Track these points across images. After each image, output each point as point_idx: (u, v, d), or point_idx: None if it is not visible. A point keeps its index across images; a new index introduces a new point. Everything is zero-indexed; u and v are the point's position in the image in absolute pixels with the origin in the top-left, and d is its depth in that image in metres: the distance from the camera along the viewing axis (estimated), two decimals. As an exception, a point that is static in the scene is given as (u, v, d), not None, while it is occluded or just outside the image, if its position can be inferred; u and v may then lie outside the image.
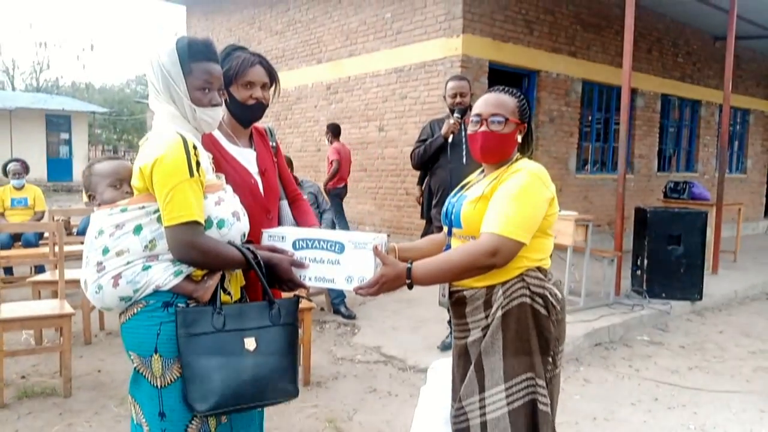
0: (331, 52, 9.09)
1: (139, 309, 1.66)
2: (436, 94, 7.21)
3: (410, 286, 1.76)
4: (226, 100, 2.11)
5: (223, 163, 1.96)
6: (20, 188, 6.68)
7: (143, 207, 1.65)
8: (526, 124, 1.96)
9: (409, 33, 7.79)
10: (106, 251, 1.65)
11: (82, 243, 6.47)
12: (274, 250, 1.82)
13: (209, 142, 1.95)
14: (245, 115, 2.05)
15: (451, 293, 1.93)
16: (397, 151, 7.94)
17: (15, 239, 6.37)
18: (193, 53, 1.70)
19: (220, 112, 1.79)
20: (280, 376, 1.71)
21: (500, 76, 7.74)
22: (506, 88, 1.98)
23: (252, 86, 2.01)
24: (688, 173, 11.16)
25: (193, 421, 1.67)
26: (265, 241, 1.85)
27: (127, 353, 1.71)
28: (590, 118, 9.45)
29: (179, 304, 1.65)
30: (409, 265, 1.75)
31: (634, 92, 9.16)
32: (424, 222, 6.30)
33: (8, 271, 6.38)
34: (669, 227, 5.97)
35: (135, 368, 1.69)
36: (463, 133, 4.23)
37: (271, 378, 1.69)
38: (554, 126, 8.52)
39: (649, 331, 5.24)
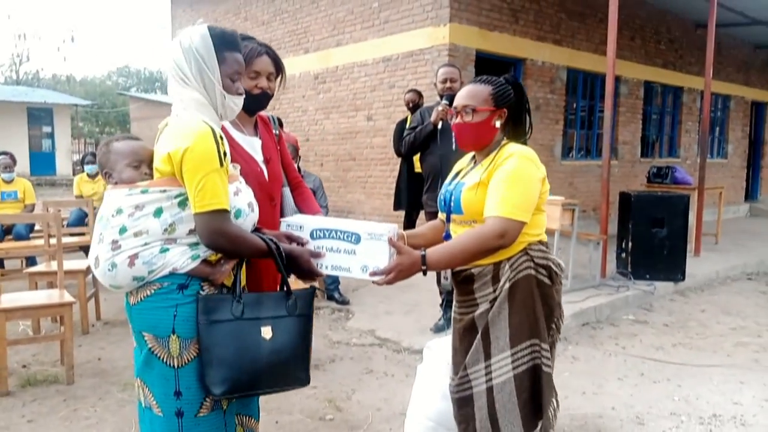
0: (318, 41, 9.12)
1: (153, 290, 1.70)
2: (424, 83, 7.29)
3: (425, 272, 1.86)
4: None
5: (232, 152, 2.03)
6: (10, 181, 6.68)
7: (165, 191, 1.69)
8: (505, 109, 2.03)
9: (396, 22, 7.85)
10: (123, 230, 1.68)
11: (73, 235, 6.50)
12: (290, 238, 1.89)
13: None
14: (250, 105, 2.07)
15: (458, 272, 2.04)
16: (385, 140, 8.01)
17: (6, 232, 6.38)
18: (227, 42, 1.77)
19: (242, 102, 1.87)
20: (294, 364, 1.80)
21: (487, 65, 7.83)
22: (485, 78, 2.07)
23: (258, 76, 2.07)
24: (671, 158, 11.37)
25: (206, 399, 1.73)
26: (284, 229, 1.92)
27: (139, 334, 1.73)
28: (575, 105, 9.60)
29: (200, 292, 1.71)
30: (423, 253, 1.85)
31: (617, 79, 9.30)
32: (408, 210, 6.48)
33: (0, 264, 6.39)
34: (653, 211, 6.13)
35: (149, 349, 1.71)
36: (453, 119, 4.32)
37: (286, 365, 1.77)
38: (540, 113, 8.64)
39: (634, 310, 5.40)
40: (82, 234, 6.35)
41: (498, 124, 2.04)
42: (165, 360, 1.70)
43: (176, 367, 1.70)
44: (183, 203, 1.69)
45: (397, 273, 1.83)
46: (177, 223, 1.69)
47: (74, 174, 23.01)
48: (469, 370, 1.98)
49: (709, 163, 9.17)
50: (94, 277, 5.55)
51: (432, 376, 3.02)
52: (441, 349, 3.07)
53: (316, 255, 1.85)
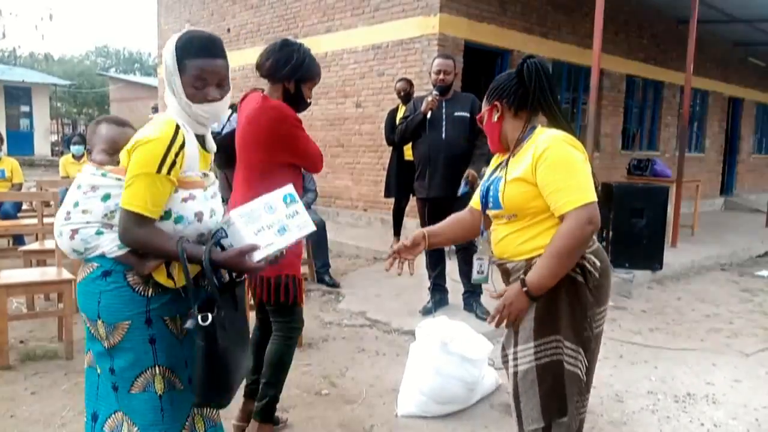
0: (308, 27, 9.15)
1: (86, 274, 1.79)
2: (414, 71, 7.40)
3: (534, 298, 1.87)
4: (289, 89, 2.55)
5: None
6: None
7: (119, 179, 1.77)
8: (497, 102, 2.01)
9: (386, 10, 7.92)
10: (76, 205, 1.79)
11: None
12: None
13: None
14: (301, 109, 2.59)
15: (499, 265, 2.07)
16: (374, 128, 8.12)
17: None
18: (189, 50, 1.76)
19: (219, 107, 1.83)
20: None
21: (475, 55, 7.96)
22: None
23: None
24: (650, 152, 11.64)
25: (138, 378, 1.79)
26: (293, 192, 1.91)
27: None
28: (559, 98, 9.75)
29: (128, 278, 1.76)
30: (522, 277, 1.88)
31: (601, 73, 9.46)
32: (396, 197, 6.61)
33: None
34: (633, 201, 6.34)
35: (87, 327, 1.82)
36: (443, 110, 4.44)
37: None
38: (525, 104, 8.78)
39: (613, 297, 5.60)
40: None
41: (495, 117, 2.03)
42: (99, 339, 1.80)
43: (107, 347, 1.78)
44: None
45: (511, 312, 1.89)
46: (117, 211, 1.75)
47: (53, 155, 22.72)
48: (506, 350, 2.03)
49: (687, 157, 9.40)
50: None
51: (425, 354, 3.17)
52: (433, 329, 3.23)
53: (250, 250, 1.73)
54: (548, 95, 1.99)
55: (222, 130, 2.70)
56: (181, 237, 1.74)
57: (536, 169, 1.87)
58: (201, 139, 1.87)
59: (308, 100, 2.64)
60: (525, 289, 1.87)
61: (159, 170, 1.67)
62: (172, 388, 1.83)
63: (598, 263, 1.91)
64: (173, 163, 1.69)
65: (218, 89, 1.80)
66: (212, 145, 1.93)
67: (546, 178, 1.84)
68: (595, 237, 1.93)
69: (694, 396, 3.46)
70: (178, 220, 1.76)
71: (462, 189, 4.26)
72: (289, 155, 2.57)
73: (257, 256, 1.73)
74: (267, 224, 1.78)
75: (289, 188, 1.89)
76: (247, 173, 2.62)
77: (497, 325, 1.93)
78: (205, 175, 1.85)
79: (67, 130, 32.48)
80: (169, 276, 1.80)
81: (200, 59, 1.76)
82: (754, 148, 15.80)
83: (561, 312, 1.89)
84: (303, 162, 2.66)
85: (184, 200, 1.76)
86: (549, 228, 1.89)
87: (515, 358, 1.96)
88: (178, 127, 1.74)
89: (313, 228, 1.90)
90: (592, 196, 1.82)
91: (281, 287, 2.56)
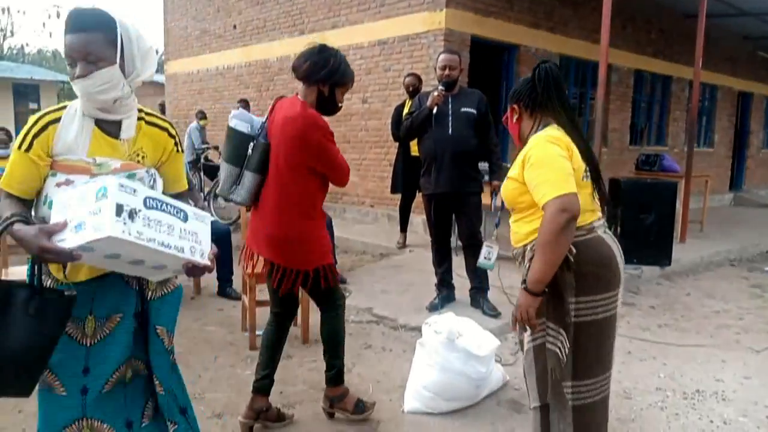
0: (314, 23, 9.14)
1: None
2: (420, 67, 7.36)
3: (538, 294, 1.99)
4: (323, 92, 2.64)
5: None
6: (6, 157, 6.68)
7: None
8: (515, 105, 2.22)
9: (392, 6, 7.89)
10: None
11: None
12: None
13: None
14: (333, 112, 2.72)
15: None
16: (380, 123, 8.10)
17: None
18: (64, 28, 1.66)
19: (87, 85, 1.65)
20: (8, 369, 1.59)
21: (482, 51, 7.92)
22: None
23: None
24: (659, 147, 11.56)
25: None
26: (114, 188, 1.50)
27: None
28: (566, 99, 9.69)
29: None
30: (523, 283, 2.05)
31: (609, 68, 9.39)
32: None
33: None
34: (641, 197, 6.29)
35: None
36: (449, 105, 4.41)
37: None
38: (532, 100, 8.74)
39: (622, 293, 5.56)
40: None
41: (515, 119, 2.25)
42: None
43: None
44: None
45: (525, 315, 2.02)
46: None
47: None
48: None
49: (696, 152, 9.34)
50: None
51: (431, 351, 3.16)
52: (439, 325, 3.21)
53: (52, 231, 1.50)
54: (553, 97, 2.15)
55: (258, 135, 2.72)
56: (14, 213, 1.60)
57: (524, 169, 2.07)
58: (110, 124, 1.73)
59: (340, 104, 2.75)
60: (524, 286, 2.02)
61: (20, 147, 1.66)
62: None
63: (574, 249, 1.99)
64: (30, 144, 1.65)
65: (88, 65, 1.63)
66: (128, 133, 1.76)
67: (529, 175, 2.04)
68: (599, 224, 2.10)
69: (704, 393, 3.43)
70: (51, 205, 1.61)
71: (494, 203, 4.53)
72: (318, 161, 2.64)
73: (71, 242, 1.48)
74: (73, 217, 1.52)
75: (111, 181, 1.50)
76: (274, 172, 2.67)
77: (521, 332, 2.14)
78: (98, 162, 1.69)
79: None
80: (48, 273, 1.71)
81: (66, 35, 1.65)
82: (763, 143, 15.65)
83: (547, 296, 2.04)
84: (331, 172, 2.71)
85: (59, 185, 1.65)
86: (539, 218, 2.02)
87: (521, 340, 2.23)
88: (59, 109, 1.71)
89: (108, 234, 1.44)
90: (567, 188, 1.94)
91: (320, 277, 2.73)
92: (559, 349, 2.04)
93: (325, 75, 2.61)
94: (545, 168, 1.98)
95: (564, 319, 2.03)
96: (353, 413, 2.95)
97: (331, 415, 3.00)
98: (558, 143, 2.04)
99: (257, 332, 4.06)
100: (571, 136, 2.08)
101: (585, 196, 2.06)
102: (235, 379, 3.49)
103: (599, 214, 2.15)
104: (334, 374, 2.95)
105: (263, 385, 2.86)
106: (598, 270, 2.06)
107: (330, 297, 2.87)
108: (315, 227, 2.73)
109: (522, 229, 2.14)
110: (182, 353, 3.81)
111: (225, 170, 2.74)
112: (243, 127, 2.72)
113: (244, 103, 9.20)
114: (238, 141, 2.71)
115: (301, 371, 3.59)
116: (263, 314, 4.57)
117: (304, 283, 2.73)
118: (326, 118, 2.68)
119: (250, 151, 2.66)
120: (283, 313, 2.95)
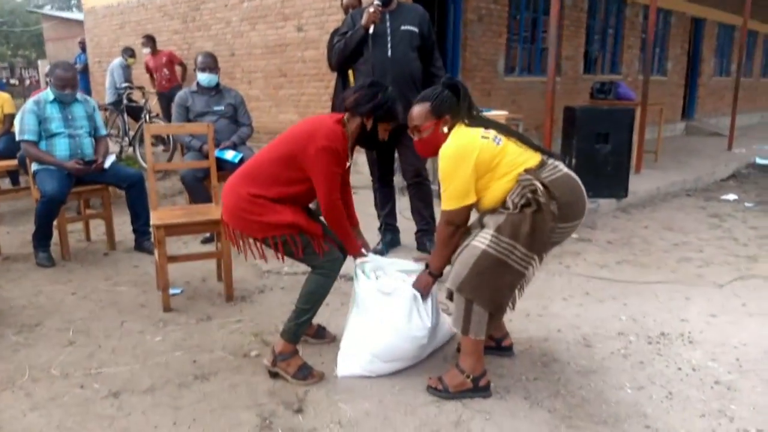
0: (241, -57, 8.21)
1: None
2: (359, -11, 6.66)
3: (435, 275, 2.62)
4: (366, 125, 2.67)
5: None
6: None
7: None
8: (447, 116, 2.44)
9: None
10: None
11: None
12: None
13: None
14: (371, 147, 3.05)
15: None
16: (318, 54, 7.40)
17: None
18: None
19: None
20: None
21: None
22: (423, 95, 2.53)
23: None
24: (613, 75, 11.20)
25: None
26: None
27: None
28: (518, 17, 9.16)
29: None
30: (426, 268, 2.65)
31: (562, -10, 8.88)
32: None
33: None
34: (597, 125, 5.90)
35: None
36: (387, 23, 3.87)
37: None
38: (483, 25, 8.18)
39: (577, 228, 5.25)
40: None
41: (445, 129, 2.45)
42: None
43: None
44: None
45: (417, 286, 2.64)
46: None
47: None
48: (472, 230, 2.51)
49: (650, 80, 9.02)
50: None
51: (366, 305, 2.72)
52: (375, 267, 2.76)
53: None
54: (472, 106, 2.51)
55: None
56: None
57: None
58: None
59: (382, 139, 2.76)
60: (428, 271, 2.61)
61: None
62: None
63: (543, 190, 2.32)
64: None
65: None
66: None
67: (440, 180, 2.43)
68: (558, 165, 2.43)
69: (669, 336, 3.12)
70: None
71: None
72: (312, 167, 2.57)
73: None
74: None
75: None
76: (270, 146, 2.70)
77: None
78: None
79: (4, 74, 30.33)
80: None
81: None
82: (715, 70, 15.52)
83: (523, 227, 2.30)
84: (317, 185, 2.60)
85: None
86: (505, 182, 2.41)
87: (474, 236, 2.42)
88: None
89: None
90: (457, 203, 2.38)
91: (279, 246, 2.63)
92: (524, 267, 2.37)
93: (370, 109, 2.64)
94: (444, 182, 2.39)
95: (535, 247, 2.35)
96: (293, 377, 2.62)
97: (274, 375, 2.66)
98: (465, 157, 2.33)
99: (171, 291, 3.56)
100: (483, 126, 2.43)
101: (512, 151, 2.39)
102: (142, 347, 2.99)
103: (540, 156, 2.41)
104: (292, 326, 2.68)
105: None
106: (571, 198, 2.38)
107: (309, 263, 2.71)
108: (266, 204, 2.61)
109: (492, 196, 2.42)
110: (84, 320, 3.29)
111: None
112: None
113: (148, 40, 8.52)
114: None
115: (221, 334, 3.12)
116: (180, 270, 4.08)
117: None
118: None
119: None
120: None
